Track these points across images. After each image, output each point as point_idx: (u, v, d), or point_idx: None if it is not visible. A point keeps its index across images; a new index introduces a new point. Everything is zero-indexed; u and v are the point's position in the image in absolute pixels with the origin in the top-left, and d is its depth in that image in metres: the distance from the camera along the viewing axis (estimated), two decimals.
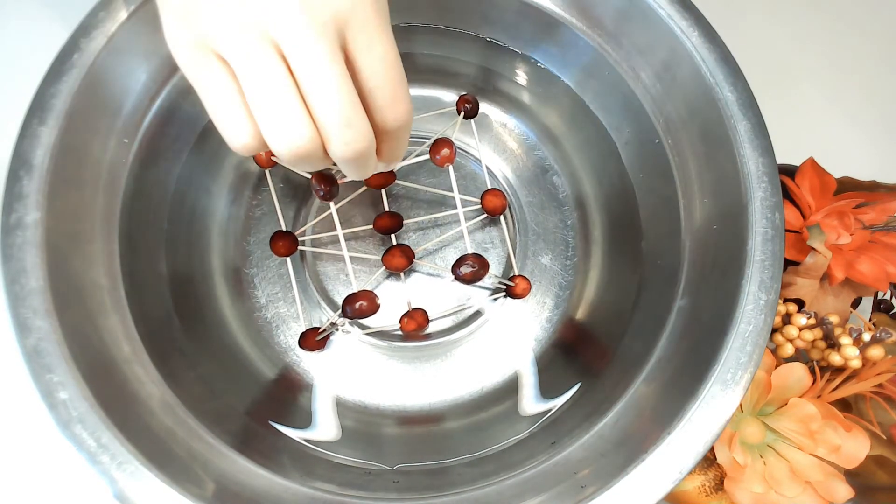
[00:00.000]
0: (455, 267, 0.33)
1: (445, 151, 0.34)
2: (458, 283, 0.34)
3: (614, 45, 0.33)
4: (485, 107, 0.38)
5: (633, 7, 0.31)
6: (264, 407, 0.32)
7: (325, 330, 0.33)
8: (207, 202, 0.34)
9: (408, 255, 0.34)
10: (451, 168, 0.34)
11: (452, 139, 0.34)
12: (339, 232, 0.32)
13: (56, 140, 0.26)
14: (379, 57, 0.20)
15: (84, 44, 0.27)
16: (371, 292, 0.32)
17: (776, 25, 0.46)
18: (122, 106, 0.29)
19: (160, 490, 0.23)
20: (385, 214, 0.34)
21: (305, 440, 0.31)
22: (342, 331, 0.34)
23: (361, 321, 0.34)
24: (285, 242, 0.34)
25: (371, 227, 0.35)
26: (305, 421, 0.32)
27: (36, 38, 0.39)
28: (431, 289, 0.36)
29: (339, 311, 0.32)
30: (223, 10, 0.19)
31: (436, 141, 0.34)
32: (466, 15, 0.35)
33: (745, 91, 0.29)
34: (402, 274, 0.35)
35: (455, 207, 0.34)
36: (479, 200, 0.35)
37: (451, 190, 0.34)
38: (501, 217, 0.36)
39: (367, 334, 0.34)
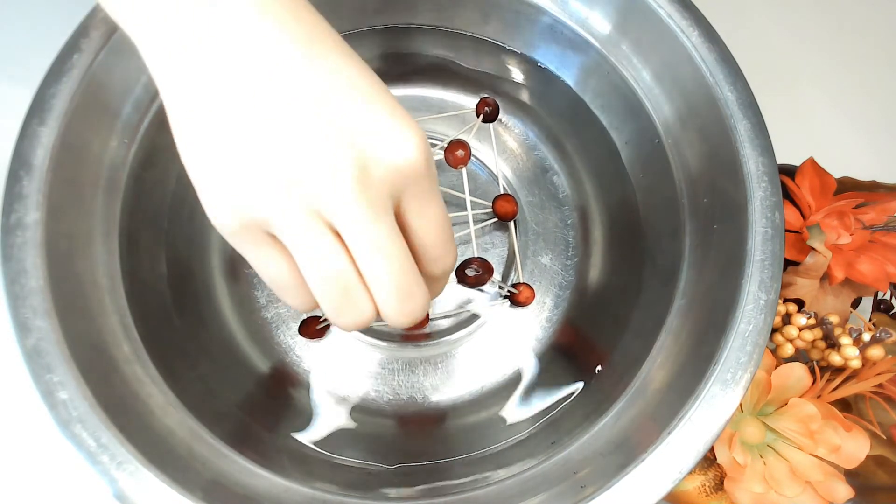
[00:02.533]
0: (459, 269, 0.33)
1: (461, 153, 0.33)
2: (460, 286, 0.34)
3: (614, 44, 0.33)
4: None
5: (633, 7, 0.31)
6: (264, 407, 0.32)
7: (325, 318, 0.33)
8: None
9: None
10: (464, 170, 0.34)
11: (468, 141, 0.34)
12: None
13: (56, 140, 0.26)
14: (432, 219, 0.20)
15: (84, 44, 0.27)
16: None
17: (776, 25, 0.46)
18: (122, 106, 0.29)
19: (160, 490, 0.23)
20: None
21: (305, 440, 0.31)
22: None
23: None
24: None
25: None
26: (305, 421, 0.32)
27: (36, 38, 0.39)
28: None
29: None
30: (273, 192, 0.18)
31: (451, 142, 0.34)
32: (466, 15, 0.35)
33: (745, 91, 0.29)
34: None
35: (464, 209, 0.34)
36: (491, 204, 0.35)
37: (461, 191, 0.34)
38: (512, 223, 0.36)
39: (366, 333, 0.34)
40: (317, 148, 0.17)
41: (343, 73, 0.18)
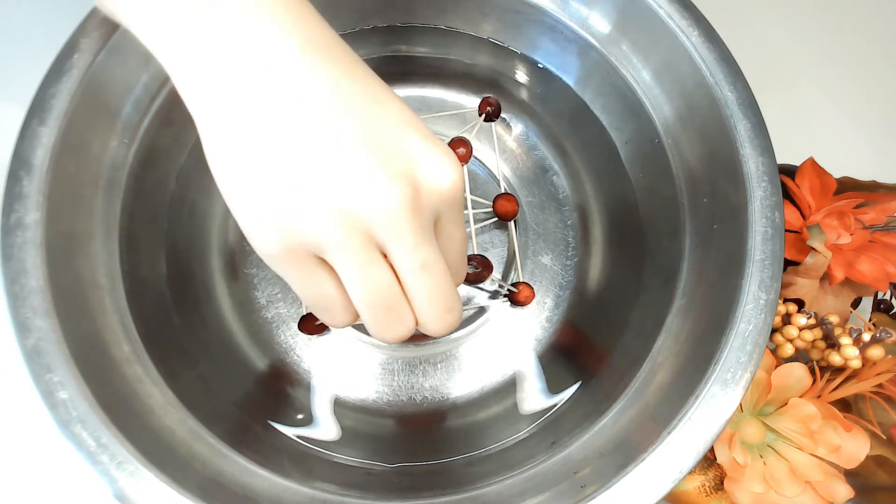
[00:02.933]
0: None
1: (462, 150, 0.33)
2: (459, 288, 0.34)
3: (614, 44, 0.33)
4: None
5: (632, 7, 0.31)
6: (264, 407, 0.32)
7: None
8: (207, 202, 0.34)
9: None
10: (465, 168, 0.34)
11: (470, 140, 0.34)
12: None
13: (56, 140, 0.26)
14: (457, 241, 0.21)
15: (84, 44, 0.27)
16: None
17: (776, 25, 0.46)
18: (122, 106, 0.29)
19: (160, 490, 0.23)
20: None
21: (305, 440, 0.31)
22: None
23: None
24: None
25: None
26: (305, 421, 0.32)
27: (36, 38, 0.39)
28: None
29: None
30: (325, 216, 0.18)
31: (453, 140, 0.34)
32: (466, 15, 0.35)
33: (745, 91, 0.29)
34: None
35: (464, 208, 0.34)
36: (491, 204, 0.35)
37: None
38: (512, 223, 0.36)
39: (367, 333, 0.34)
40: (370, 172, 0.18)
41: (376, 97, 0.19)
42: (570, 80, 0.36)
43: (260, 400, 0.32)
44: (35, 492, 0.34)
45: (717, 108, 0.29)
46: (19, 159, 0.26)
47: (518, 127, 0.38)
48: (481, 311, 0.35)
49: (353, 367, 0.34)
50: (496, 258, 0.36)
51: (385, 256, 0.19)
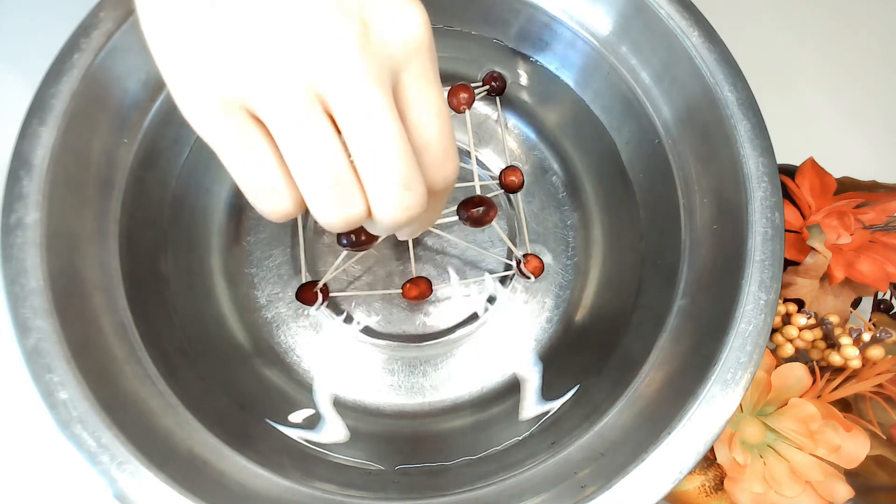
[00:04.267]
0: (460, 208, 0.28)
1: (464, 95, 0.33)
2: (467, 259, 0.33)
3: (614, 45, 0.33)
4: (484, 107, 0.38)
5: (633, 7, 0.31)
6: (264, 407, 0.32)
7: (323, 280, 0.33)
8: (207, 202, 0.34)
9: None
10: (467, 114, 0.33)
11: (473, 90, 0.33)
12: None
13: (56, 140, 0.26)
14: (434, 110, 0.17)
15: (84, 44, 0.27)
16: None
17: (776, 25, 0.46)
18: (122, 106, 0.29)
19: (160, 490, 0.23)
20: None
21: (305, 440, 0.31)
22: (347, 278, 0.34)
23: (359, 313, 0.34)
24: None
25: None
26: (305, 421, 0.32)
27: (36, 38, 0.39)
28: (441, 263, 0.36)
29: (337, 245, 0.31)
30: (262, 59, 0.15)
31: (453, 87, 0.33)
32: (466, 14, 0.35)
33: (745, 91, 0.29)
34: (409, 244, 0.35)
35: (471, 180, 0.33)
36: (499, 176, 0.35)
37: (470, 173, 0.33)
38: (520, 196, 0.36)
39: (367, 333, 0.34)
40: (310, 7, 0.15)
41: None
42: (570, 80, 0.36)
43: (260, 400, 0.32)
44: (35, 492, 0.34)
45: (717, 109, 0.29)
46: (19, 159, 0.26)
47: (518, 127, 0.38)
48: (477, 314, 0.35)
49: (353, 367, 0.34)
50: (501, 247, 0.36)
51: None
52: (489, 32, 0.36)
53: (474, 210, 0.28)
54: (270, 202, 0.17)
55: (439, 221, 0.34)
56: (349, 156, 0.17)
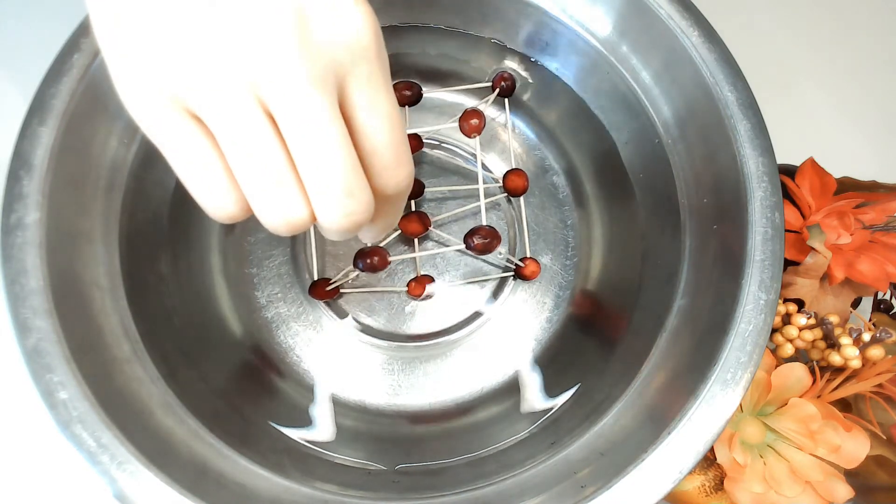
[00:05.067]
0: (467, 237, 0.32)
1: (475, 121, 0.34)
2: (467, 261, 0.34)
3: (614, 45, 0.33)
4: (487, 107, 0.38)
5: (632, 7, 0.31)
6: (264, 407, 0.32)
7: (336, 281, 0.33)
8: None
9: (424, 222, 0.34)
10: (477, 139, 0.34)
11: (484, 112, 0.34)
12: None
13: (56, 140, 0.26)
14: (382, 114, 0.17)
15: (84, 44, 0.27)
16: (383, 249, 0.32)
17: (776, 25, 0.46)
18: (122, 106, 0.29)
19: (160, 490, 0.23)
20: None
21: (305, 440, 0.31)
22: (351, 281, 0.34)
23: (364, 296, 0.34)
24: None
25: None
26: (305, 421, 0.32)
27: (36, 38, 0.39)
28: (442, 264, 0.36)
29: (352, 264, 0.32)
30: (202, 59, 0.15)
31: (466, 111, 0.34)
32: (466, 15, 0.35)
33: (745, 91, 0.29)
34: (415, 244, 0.35)
35: (475, 183, 0.34)
36: (502, 179, 0.35)
37: (473, 168, 0.34)
38: (522, 199, 0.36)
39: (367, 333, 0.35)
40: (255, 8, 0.15)
41: None
42: (570, 80, 0.36)
43: (260, 400, 0.32)
44: (35, 492, 0.34)
45: (717, 109, 0.29)
46: (19, 159, 0.26)
47: (518, 127, 0.38)
48: (479, 312, 0.35)
49: (354, 367, 0.34)
50: (502, 236, 0.36)
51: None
52: (489, 33, 0.36)
53: (480, 241, 0.32)
54: (213, 203, 0.17)
55: (447, 214, 0.35)
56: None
